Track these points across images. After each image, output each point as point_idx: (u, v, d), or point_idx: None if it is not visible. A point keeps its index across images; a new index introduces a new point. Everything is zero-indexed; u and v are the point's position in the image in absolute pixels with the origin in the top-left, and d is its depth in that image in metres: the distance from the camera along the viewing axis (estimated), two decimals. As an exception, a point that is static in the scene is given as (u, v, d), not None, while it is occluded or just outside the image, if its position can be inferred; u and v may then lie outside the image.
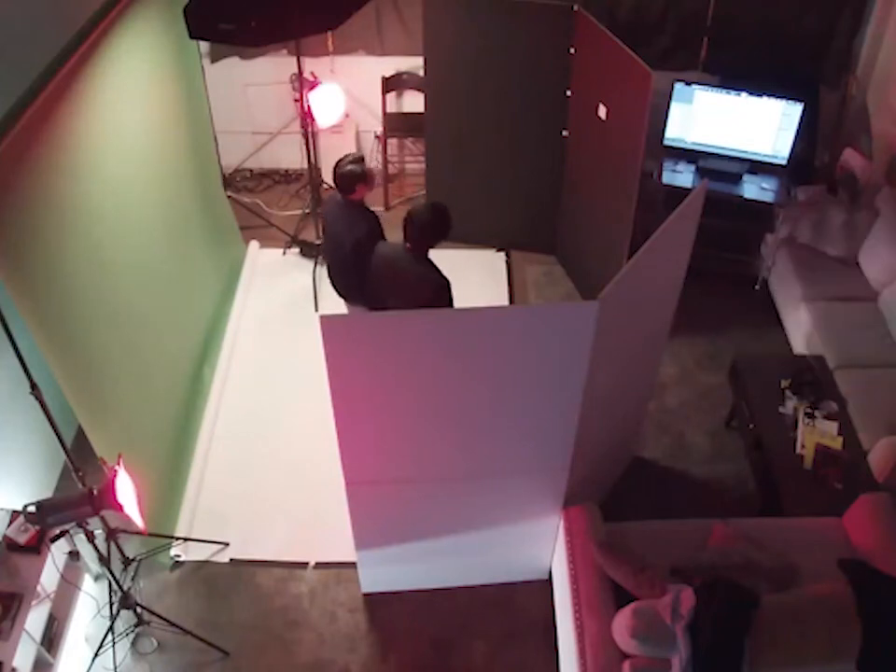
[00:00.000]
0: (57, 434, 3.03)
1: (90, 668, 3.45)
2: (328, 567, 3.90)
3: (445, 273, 3.55)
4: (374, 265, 3.75)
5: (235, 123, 5.88)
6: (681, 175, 5.08)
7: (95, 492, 2.88)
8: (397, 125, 5.81)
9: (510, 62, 4.75)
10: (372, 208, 4.04)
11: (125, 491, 2.93)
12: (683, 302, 3.70)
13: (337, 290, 4.22)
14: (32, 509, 2.85)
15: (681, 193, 3.77)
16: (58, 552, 3.49)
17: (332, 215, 4.06)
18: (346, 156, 3.95)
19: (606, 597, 3.12)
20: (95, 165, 3.45)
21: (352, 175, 3.87)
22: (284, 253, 5.59)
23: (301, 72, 4.83)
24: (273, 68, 5.63)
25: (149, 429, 3.93)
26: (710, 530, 3.36)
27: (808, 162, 5.37)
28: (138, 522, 3.08)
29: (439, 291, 3.52)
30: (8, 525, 3.38)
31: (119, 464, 2.96)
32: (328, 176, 5.67)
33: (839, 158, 5.29)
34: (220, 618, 3.72)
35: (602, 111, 4.30)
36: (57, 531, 3.10)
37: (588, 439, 3.13)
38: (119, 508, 2.90)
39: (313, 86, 4.86)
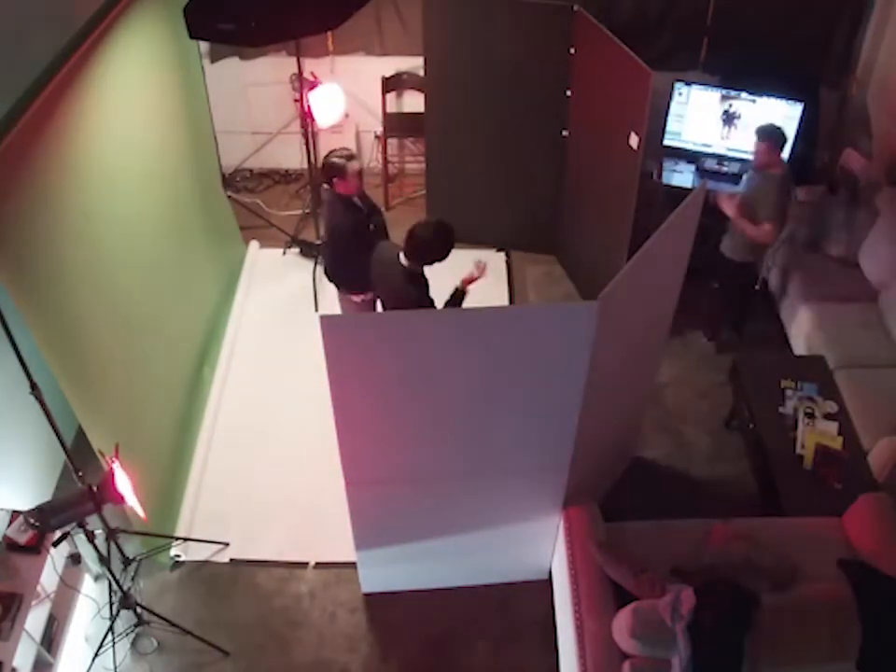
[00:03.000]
0: (57, 434, 3.03)
1: (90, 668, 3.44)
2: (328, 566, 3.90)
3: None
4: (372, 261, 3.79)
5: (235, 123, 5.87)
6: (681, 175, 5.08)
7: (95, 488, 2.89)
8: (397, 125, 5.81)
9: (510, 62, 4.75)
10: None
11: (123, 482, 2.93)
12: (683, 302, 3.69)
13: (328, 277, 4.38)
14: (33, 514, 2.84)
15: (681, 193, 3.77)
16: (58, 553, 3.49)
17: (326, 204, 4.19)
18: (339, 149, 4.02)
19: (606, 597, 3.12)
20: (95, 165, 3.45)
21: (329, 167, 3.95)
22: (284, 253, 5.59)
23: (300, 72, 4.83)
24: (273, 68, 5.63)
25: (150, 429, 3.93)
26: (710, 530, 3.36)
27: (808, 162, 5.37)
28: (139, 511, 3.08)
29: (417, 303, 3.49)
30: (8, 525, 3.38)
31: (116, 456, 2.96)
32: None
33: (839, 158, 5.29)
34: (220, 618, 3.71)
35: (633, 140, 4.17)
36: (59, 534, 3.10)
37: (588, 439, 3.13)
38: (121, 499, 2.90)
39: (313, 86, 4.86)
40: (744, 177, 4.55)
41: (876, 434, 3.91)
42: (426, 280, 3.56)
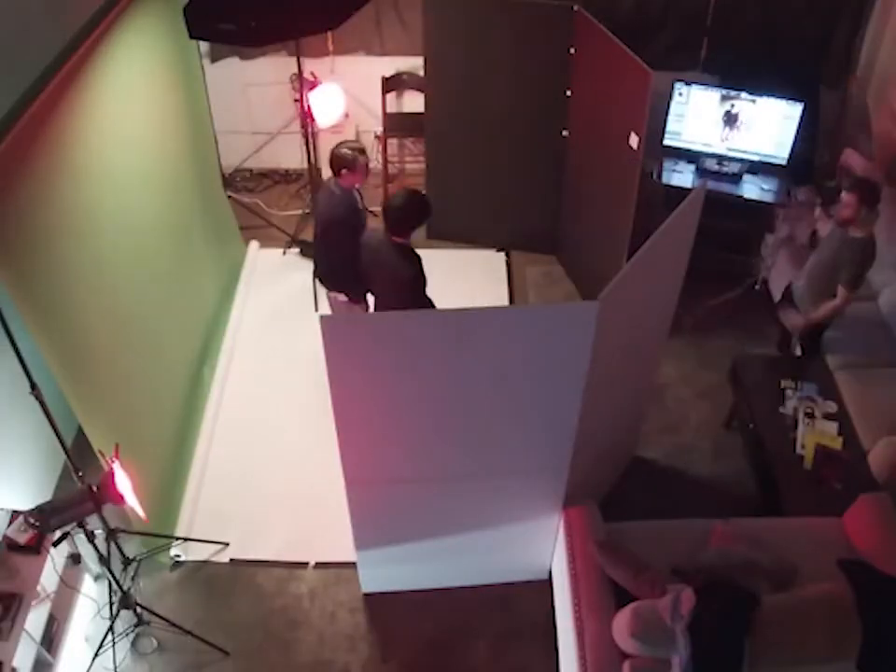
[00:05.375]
0: (57, 434, 3.03)
1: (90, 668, 3.44)
2: (328, 566, 3.90)
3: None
4: (362, 249, 3.85)
5: (235, 123, 5.87)
6: (681, 175, 5.08)
7: (95, 488, 2.88)
8: (397, 125, 5.81)
9: (510, 61, 4.75)
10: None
11: (123, 482, 2.93)
12: (683, 302, 3.69)
13: (316, 274, 4.33)
14: (33, 514, 2.84)
15: (681, 193, 3.77)
16: (58, 553, 3.49)
17: (324, 195, 4.14)
18: (348, 141, 4.03)
19: (606, 597, 3.12)
20: (95, 165, 3.45)
21: (339, 158, 3.95)
22: (284, 253, 5.59)
23: (300, 72, 4.83)
24: (273, 68, 5.63)
25: (150, 430, 3.93)
26: (710, 530, 3.36)
27: (808, 162, 5.37)
28: (139, 511, 3.08)
29: (412, 281, 3.66)
30: (8, 525, 3.38)
31: (116, 456, 2.96)
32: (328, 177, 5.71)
33: (839, 158, 5.29)
34: (220, 618, 3.71)
35: (633, 140, 4.17)
36: (59, 534, 3.10)
37: (588, 439, 3.13)
38: (121, 499, 2.90)
39: (313, 86, 4.86)
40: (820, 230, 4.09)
41: (876, 434, 3.91)
42: (418, 257, 3.69)
